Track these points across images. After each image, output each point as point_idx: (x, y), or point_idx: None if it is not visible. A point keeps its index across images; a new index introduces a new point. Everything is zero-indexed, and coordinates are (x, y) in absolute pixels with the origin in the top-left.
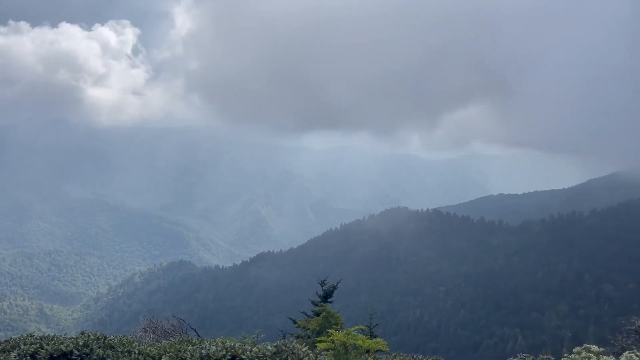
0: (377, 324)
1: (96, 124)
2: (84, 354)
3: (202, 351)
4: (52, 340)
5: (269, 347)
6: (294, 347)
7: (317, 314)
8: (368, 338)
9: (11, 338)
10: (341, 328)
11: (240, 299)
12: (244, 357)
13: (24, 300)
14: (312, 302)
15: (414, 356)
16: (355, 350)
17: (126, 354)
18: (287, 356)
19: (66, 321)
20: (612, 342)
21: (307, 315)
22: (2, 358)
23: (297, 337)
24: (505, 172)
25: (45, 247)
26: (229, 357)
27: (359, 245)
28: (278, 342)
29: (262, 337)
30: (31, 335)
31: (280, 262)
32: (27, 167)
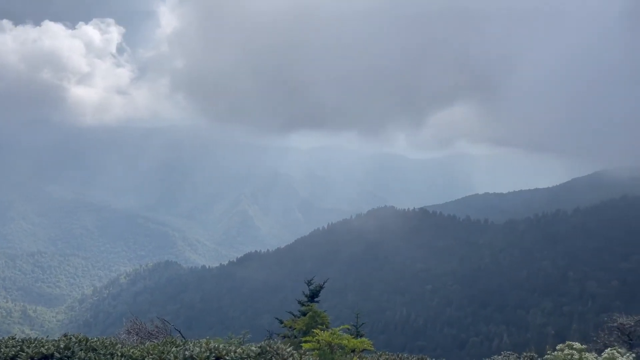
0: (363, 323)
1: (80, 124)
2: (66, 356)
3: (186, 352)
4: (33, 343)
5: (253, 348)
6: (278, 347)
7: (304, 314)
8: (354, 337)
9: None
10: (327, 328)
11: (227, 299)
12: (227, 358)
13: (7, 302)
14: (299, 302)
15: (400, 355)
16: (340, 350)
17: (108, 356)
18: (271, 357)
19: (50, 323)
20: (594, 339)
21: (293, 315)
22: None
23: (284, 337)
24: (491, 171)
25: (28, 248)
26: (213, 358)
27: (346, 244)
28: (262, 342)
29: (249, 338)
30: (13, 338)
31: (267, 262)
32: (9, 167)
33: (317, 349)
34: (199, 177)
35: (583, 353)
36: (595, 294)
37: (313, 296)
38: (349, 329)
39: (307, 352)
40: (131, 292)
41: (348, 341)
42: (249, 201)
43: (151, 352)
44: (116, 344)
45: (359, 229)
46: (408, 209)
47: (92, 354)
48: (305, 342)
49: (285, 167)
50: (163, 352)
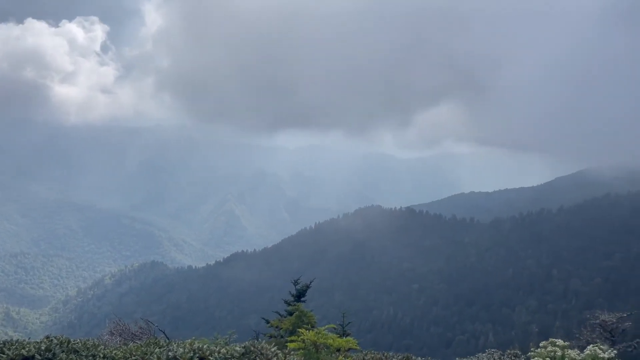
0: (349, 323)
1: (64, 123)
2: (47, 358)
3: (169, 353)
4: (13, 345)
5: (237, 348)
6: (262, 347)
7: (290, 314)
8: (339, 337)
9: None
10: (314, 327)
11: (213, 299)
12: (211, 358)
13: None
14: (285, 302)
15: (385, 354)
16: (326, 349)
17: (90, 357)
18: (255, 357)
19: (34, 325)
20: (577, 336)
21: (280, 315)
22: None
23: (271, 337)
24: (476, 171)
25: (11, 249)
26: (197, 358)
27: (333, 244)
28: (246, 342)
29: (235, 338)
30: None
31: (254, 262)
32: None
33: (303, 349)
34: (185, 177)
35: (566, 350)
36: (579, 292)
37: (300, 296)
38: (334, 328)
39: (292, 352)
40: (116, 293)
41: (333, 340)
42: (236, 201)
43: (134, 353)
44: (98, 345)
45: (346, 228)
46: (395, 208)
47: (73, 356)
48: (291, 341)
49: (272, 167)
50: (146, 353)
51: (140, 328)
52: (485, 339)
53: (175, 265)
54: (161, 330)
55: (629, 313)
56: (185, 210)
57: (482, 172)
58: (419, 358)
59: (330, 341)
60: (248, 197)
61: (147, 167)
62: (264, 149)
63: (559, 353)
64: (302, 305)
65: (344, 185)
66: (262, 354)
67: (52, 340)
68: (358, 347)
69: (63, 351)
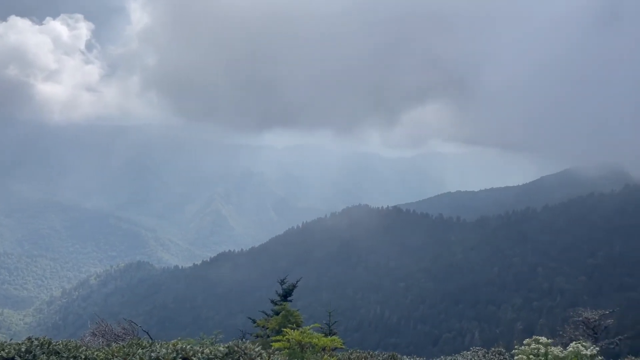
0: (335, 322)
1: (48, 122)
2: None
3: (152, 354)
4: None
5: (220, 348)
6: (246, 347)
7: (277, 313)
8: (324, 336)
9: None
10: (300, 326)
11: (200, 299)
12: (194, 358)
13: None
14: (272, 301)
15: (371, 352)
16: (311, 349)
17: (72, 359)
18: (239, 357)
19: (17, 326)
20: (560, 333)
21: (266, 314)
22: None
23: (257, 336)
24: (462, 170)
25: None
26: (180, 359)
27: (320, 243)
28: (230, 342)
29: (221, 338)
30: None
31: (241, 262)
32: None
33: (288, 348)
34: (171, 176)
35: (549, 347)
36: (564, 289)
37: (286, 295)
38: (320, 328)
39: (277, 352)
40: (102, 293)
41: (318, 339)
42: (223, 200)
43: (116, 354)
44: (80, 346)
45: (334, 227)
46: (382, 207)
47: (54, 358)
48: (276, 341)
49: (259, 166)
50: (128, 354)
51: (124, 329)
52: (472, 337)
53: (162, 265)
54: (145, 331)
55: (611, 310)
56: (171, 210)
57: (468, 171)
58: (405, 356)
59: (315, 340)
60: (235, 196)
61: (133, 166)
62: (251, 148)
63: (543, 350)
64: (288, 305)
65: (331, 184)
66: (245, 353)
67: (32, 341)
68: (343, 346)
69: (44, 353)
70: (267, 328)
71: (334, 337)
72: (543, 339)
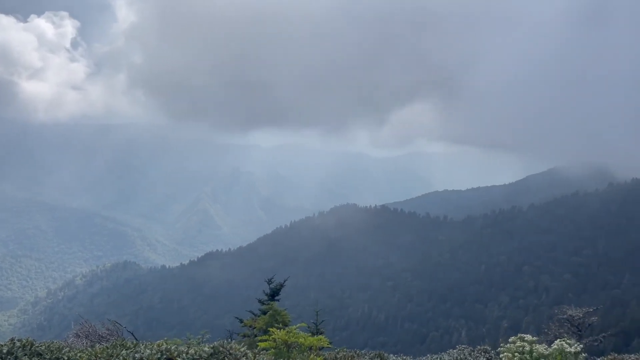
0: (322, 321)
1: (32, 120)
2: None
3: (136, 355)
4: None
5: (205, 349)
6: (231, 347)
7: (264, 313)
8: (311, 335)
9: None
10: (287, 326)
11: (187, 299)
12: (179, 359)
13: None
14: (259, 301)
15: (357, 351)
16: (297, 349)
17: None
18: (224, 357)
19: (2, 327)
20: (545, 330)
21: (254, 314)
22: None
23: (244, 336)
24: (450, 169)
25: None
26: (165, 359)
27: (308, 242)
28: (215, 343)
29: (208, 338)
30: None
31: (228, 261)
32: None
33: (274, 348)
34: (158, 176)
35: (534, 345)
36: (549, 287)
37: (274, 295)
38: (307, 327)
39: (263, 352)
40: (88, 293)
41: (305, 339)
42: (210, 200)
43: (100, 355)
44: (63, 347)
45: (321, 226)
46: (369, 206)
47: (36, 359)
48: (262, 341)
49: (246, 165)
50: (112, 355)
51: (108, 329)
52: (459, 335)
53: (149, 265)
54: (129, 332)
55: (595, 308)
56: (158, 210)
57: (456, 171)
58: (392, 355)
59: (301, 340)
60: (222, 196)
61: (119, 165)
62: (239, 147)
63: (528, 348)
64: (276, 304)
65: (319, 184)
66: (230, 354)
67: (15, 342)
68: (330, 346)
69: (26, 354)
70: (255, 328)
71: (320, 336)
72: (528, 337)
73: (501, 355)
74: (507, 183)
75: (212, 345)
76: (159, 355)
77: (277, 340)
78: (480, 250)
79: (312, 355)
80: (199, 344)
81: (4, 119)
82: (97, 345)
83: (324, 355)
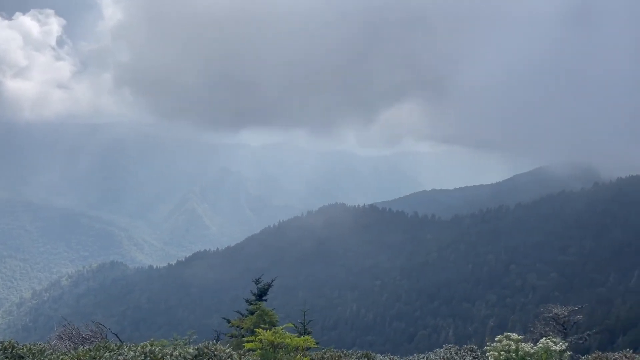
0: (310, 321)
1: (18, 119)
2: None
3: (120, 357)
4: None
5: (190, 350)
6: (216, 348)
7: (252, 313)
8: (298, 335)
9: None
10: (274, 326)
11: (175, 299)
12: None
13: None
14: (247, 301)
15: (344, 351)
16: (283, 349)
17: None
18: (208, 359)
19: None
20: (531, 329)
21: (241, 314)
22: None
23: (232, 336)
24: (438, 169)
25: None
26: None
27: (297, 241)
28: (200, 344)
29: (195, 338)
30: None
31: (217, 261)
32: None
33: (260, 349)
34: (145, 175)
35: (520, 343)
36: (536, 286)
37: (261, 294)
38: (294, 327)
39: (248, 353)
40: (74, 294)
41: (291, 339)
42: (198, 199)
43: (82, 357)
44: (45, 350)
45: (310, 226)
46: (358, 205)
47: None
48: (248, 341)
49: (235, 165)
50: (95, 358)
51: (92, 331)
52: (447, 334)
53: (136, 265)
54: (114, 333)
55: (580, 306)
56: (145, 209)
57: (443, 170)
58: (379, 355)
59: (287, 340)
60: (211, 195)
61: (105, 164)
62: (227, 146)
63: (514, 347)
64: (263, 304)
65: (308, 183)
66: (215, 355)
67: None
68: (317, 346)
69: (7, 357)
70: (242, 328)
71: (307, 336)
72: (514, 336)
73: (487, 354)
74: (494, 182)
75: (196, 347)
76: (142, 358)
77: (263, 341)
78: (468, 249)
79: (298, 356)
80: (185, 344)
81: None
82: (80, 347)
83: (310, 355)
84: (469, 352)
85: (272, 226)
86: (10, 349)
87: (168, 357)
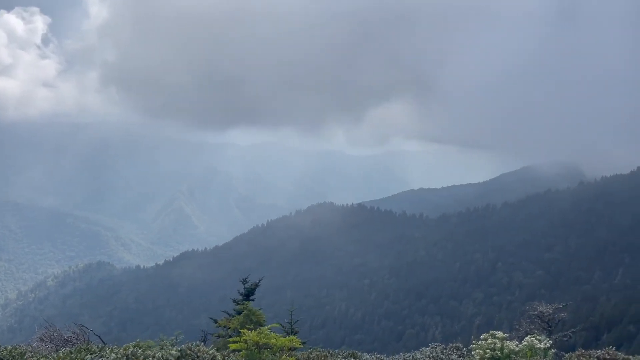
0: (297, 320)
1: (2, 118)
2: None
3: (101, 359)
4: None
5: (172, 352)
6: (199, 350)
7: (239, 313)
8: (285, 335)
9: None
10: (262, 326)
11: (163, 299)
12: None
13: None
14: (234, 301)
15: (330, 351)
16: (268, 349)
17: None
18: None
19: None
20: (516, 327)
21: (228, 314)
22: None
23: (219, 336)
24: (425, 168)
25: None
26: None
27: (285, 241)
28: (183, 346)
29: (182, 338)
30: None
31: (205, 261)
32: None
33: (245, 349)
34: (132, 175)
35: (505, 341)
36: (522, 284)
37: (248, 294)
38: (281, 327)
39: (233, 353)
40: (60, 295)
41: (276, 340)
42: (186, 199)
43: None
44: (25, 352)
45: (298, 225)
46: (346, 204)
47: None
48: (233, 342)
49: (222, 164)
50: None
51: (74, 333)
52: (434, 332)
53: (123, 266)
54: (96, 335)
55: (565, 304)
56: (132, 209)
57: (431, 169)
58: (366, 354)
59: (272, 341)
60: (198, 194)
61: (91, 164)
62: (215, 145)
63: (499, 345)
64: (250, 304)
65: (296, 182)
66: (198, 356)
67: None
68: (303, 346)
69: None
70: (229, 328)
71: (292, 336)
72: (499, 334)
73: (473, 352)
74: (481, 181)
75: (179, 349)
76: (124, 359)
77: (248, 341)
78: (455, 248)
79: (284, 356)
80: (172, 345)
81: None
82: (62, 349)
83: (296, 355)
84: (454, 351)
85: (260, 226)
86: None
87: (150, 359)
